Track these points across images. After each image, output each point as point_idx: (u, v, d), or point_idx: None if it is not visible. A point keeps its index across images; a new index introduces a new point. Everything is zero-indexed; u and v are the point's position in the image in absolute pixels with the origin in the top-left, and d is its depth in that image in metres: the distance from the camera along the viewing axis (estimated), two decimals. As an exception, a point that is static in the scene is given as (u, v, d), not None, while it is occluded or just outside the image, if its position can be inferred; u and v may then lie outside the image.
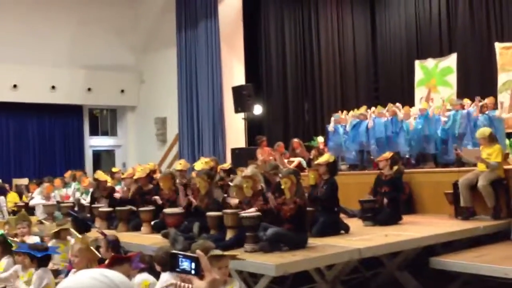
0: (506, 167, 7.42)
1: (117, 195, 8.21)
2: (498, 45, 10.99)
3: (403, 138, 9.13)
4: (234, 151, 11.66)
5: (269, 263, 4.72)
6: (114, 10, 15.66)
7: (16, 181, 13.41)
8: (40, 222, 8.52)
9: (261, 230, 5.29)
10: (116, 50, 15.67)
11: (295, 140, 11.05)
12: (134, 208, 7.53)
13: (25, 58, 14.20)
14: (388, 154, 7.59)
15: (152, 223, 7.14)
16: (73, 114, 16.04)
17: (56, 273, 4.92)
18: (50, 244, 5.41)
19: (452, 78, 11.69)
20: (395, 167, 7.45)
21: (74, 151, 15.98)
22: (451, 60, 11.83)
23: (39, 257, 4.39)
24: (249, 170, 6.20)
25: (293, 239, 5.33)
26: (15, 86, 14.36)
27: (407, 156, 9.26)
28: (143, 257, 4.27)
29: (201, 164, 7.95)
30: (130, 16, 15.89)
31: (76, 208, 8.98)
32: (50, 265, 4.75)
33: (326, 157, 6.76)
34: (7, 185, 12.43)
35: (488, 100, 9.04)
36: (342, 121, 10.29)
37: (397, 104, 9.87)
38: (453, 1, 13.11)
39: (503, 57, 10.79)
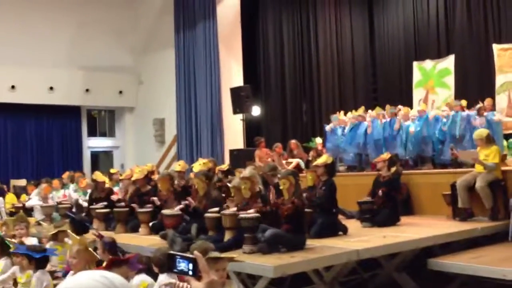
0: (503, 168, 7.44)
1: (114, 197, 8.20)
2: (496, 47, 11.02)
3: (401, 140, 9.13)
4: (232, 152, 11.66)
5: (267, 264, 4.72)
6: (113, 12, 15.65)
7: (14, 182, 13.40)
8: (38, 224, 8.52)
9: (260, 231, 5.28)
10: (114, 51, 15.66)
11: (293, 141, 11.06)
12: (134, 207, 7.52)
13: (23, 59, 14.18)
14: (386, 155, 7.59)
15: (150, 224, 7.13)
16: (71, 115, 16.03)
17: (54, 274, 4.91)
18: (48, 245, 5.41)
19: (450, 80, 11.71)
20: (393, 168, 7.46)
21: (72, 152, 15.96)
22: (449, 62, 11.85)
23: (37, 259, 4.38)
24: (247, 172, 6.20)
25: (292, 241, 5.33)
26: (13, 87, 14.34)
27: (406, 158, 9.26)
28: (140, 259, 4.27)
29: (199, 165, 7.95)
30: (129, 17, 15.89)
31: (74, 210, 8.96)
32: (48, 267, 4.74)
33: (324, 159, 6.77)
34: (5, 186, 12.42)
35: (486, 102, 9.06)
36: (341, 122, 10.29)
37: (399, 106, 9.89)
38: (451, 2, 13.14)
39: (501, 59, 10.82)
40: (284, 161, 10.36)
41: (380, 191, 7.04)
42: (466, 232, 6.46)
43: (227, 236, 5.67)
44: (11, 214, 9.48)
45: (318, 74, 14.30)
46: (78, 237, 4.16)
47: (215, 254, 3.42)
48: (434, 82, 12.01)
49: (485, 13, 12.44)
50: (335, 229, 6.29)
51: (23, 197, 10.94)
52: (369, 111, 10.10)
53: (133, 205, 7.54)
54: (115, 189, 9.02)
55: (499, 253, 5.87)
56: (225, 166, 8.89)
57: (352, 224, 6.85)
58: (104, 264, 3.78)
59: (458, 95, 11.01)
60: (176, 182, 7.71)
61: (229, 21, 13.31)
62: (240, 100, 11.99)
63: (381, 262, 6.21)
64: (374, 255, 5.64)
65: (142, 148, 16.06)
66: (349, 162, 10.06)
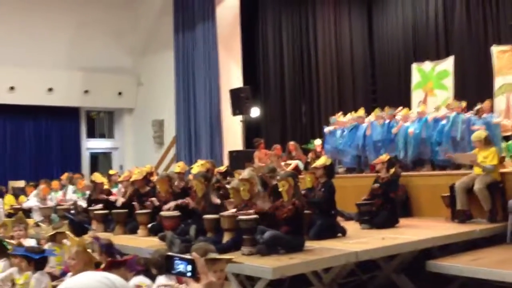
0: (502, 170, 7.44)
1: (112, 198, 8.20)
2: (494, 49, 11.03)
3: (400, 141, 9.13)
4: (231, 153, 11.66)
5: (266, 266, 4.72)
6: (112, 12, 15.65)
7: (13, 183, 13.38)
8: (37, 225, 8.51)
9: (258, 233, 5.28)
10: (113, 52, 15.66)
11: (291, 143, 11.06)
12: (134, 205, 7.52)
13: (22, 59, 14.17)
14: (384, 157, 7.60)
15: (149, 226, 7.13)
16: (70, 116, 16.01)
17: (52, 276, 4.90)
18: (46, 247, 5.39)
19: (449, 81, 11.72)
20: (392, 170, 7.46)
21: (71, 154, 15.94)
22: (448, 63, 11.87)
23: (36, 260, 4.37)
24: (246, 173, 6.19)
25: (290, 242, 5.32)
26: (12, 88, 14.33)
27: (405, 159, 9.24)
28: (139, 260, 4.26)
29: (197, 167, 7.94)
30: (128, 18, 15.88)
31: (72, 211, 8.96)
32: (47, 268, 4.73)
33: (323, 160, 6.77)
34: (3, 187, 12.41)
35: (485, 104, 9.06)
36: (340, 124, 10.28)
37: (399, 108, 9.90)
38: (450, 4, 13.17)
39: (499, 61, 10.83)
40: (283, 163, 10.36)
41: (376, 185, 7.05)
42: (465, 234, 6.46)
43: (226, 237, 5.67)
44: (9, 215, 9.46)
45: (318, 75, 14.32)
46: (76, 239, 4.15)
47: (214, 255, 3.42)
48: (433, 84, 12.02)
49: (484, 15, 12.46)
50: (334, 231, 6.30)
51: (22, 198, 10.93)
52: (369, 117, 10.08)
53: (134, 203, 7.53)
54: (114, 190, 9.02)
55: (498, 255, 5.87)
56: (223, 167, 8.89)
57: (351, 226, 6.85)
58: (103, 265, 3.77)
59: (457, 97, 11.02)
60: (176, 183, 7.71)
61: (228, 22, 13.32)
62: (239, 102, 11.99)
63: (379, 264, 6.21)
64: (372, 257, 5.64)
65: (141, 150, 16.05)
66: (348, 164, 10.06)
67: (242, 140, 12.35)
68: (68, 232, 5.02)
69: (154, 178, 8.60)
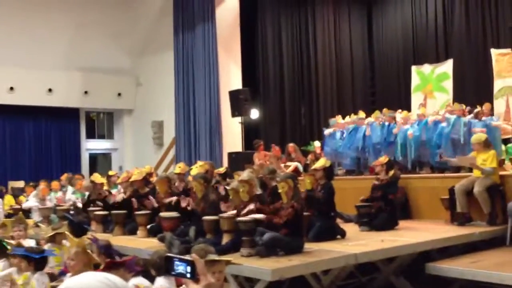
0: (501, 173, 7.45)
1: (111, 198, 8.19)
2: (494, 52, 11.04)
3: (399, 143, 9.13)
4: (230, 155, 11.66)
5: (265, 267, 4.72)
6: (112, 13, 15.66)
7: (12, 184, 13.38)
8: (36, 225, 8.51)
9: (258, 234, 5.28)
10: (113, 53, 15.66)
11: (290, 144, 11.06)
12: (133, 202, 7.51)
13: (21, 60, 14.17)
14: (383, 159, 7.60)
15: (148, 227, 7.12)
16: (70, 117, 16.01)
17: (51, 277, 4.89)
18: (45, 247, 5.39)
19: (448, 84, 11.72)
20: (391, 172, 7.47)
21: (70, 154, 15.94)
22: (448, 66, 11.87)
23: (36, 260, 4.36)
24: (245, 175, 6.19)
25: (290, 244, 5.32)
26: (11, 88, 14.33)
27: (405, 162, 9.24)
28: (137, 261, 4.25)
29: (196, 168, 7.94)
30: (128, 19, 15.89)
31: (72, 212, 8.95)
32: (46, 269, 4.72)
33: (323, 162, 6.77)
34: (3, 188, 12.40)
35: (484, 107, 9.06)
36: (339, 126, 10.29)
37: (399, 110, 9.90)
38: (450, 7, 13.19)
39: (499, 64, 10.83)
40: (282, 164, 10.36)
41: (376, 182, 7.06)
42: (464, 236, 6.46)
43: (225, 239, 5.67)
44: (8, 215, 9.45)
45: (317, 78, 14.33)
46: (76, 239, 4.14)
47: (213, 256, 3.42)
48: (432, 86, 12.02)
49: (483, 18, 12.48)
50: (333, 233, 6.29)
51: (21, 198, 10.93)
52: (368, 119, 10.07)
53: (133, 199, 7.52)
54: (113, 191, 9.01)
55: (497, 257, 5.87)
56: (222, 169, 8.89)
57: (350, 228, 6.85)
58: (102, 266, 3.77)
59: (456, 100, 11.01)
60: (176, 184, 7.70)
61: (228, 24, 13.33)
62: (238, 103, 12.00)
63: (379, 266, 6.21)
64: (372, 259, 5.64)
65: (141, 151, 16.05)
66: (347, 166, 10.06)
67: (241, 142, 12.34)
68: (67, 233, 5.02)
69: (154, 179, 8.60)
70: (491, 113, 9.26)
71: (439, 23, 13.40)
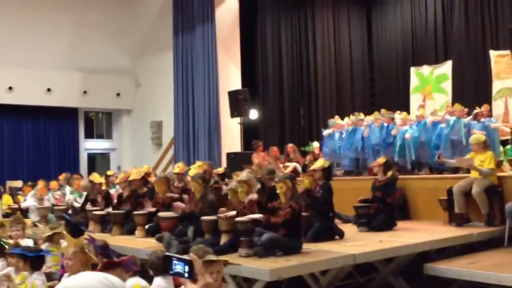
0: (499, 174, 7.46)
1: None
2: (493, 53, 11.05)
3: (398, 144, 9.14)
4: (229, 155, 11.65)
5: (263, 268, 4.72)
6: (111, 14, 15.66)
7: (10, 183, 13.37)
8: (34, 225, 8.50)
9: (256, 235, 5.28)
10: (112, 53, 15.66)
11: (289, 145, 11.07)
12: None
13: (20, 60, 14.17)
14: (381, 160, 7.60)
15: (147, 227, 7.11)
16: (69, 116, 16.01)
17: (49, 276, 4.89)
18: (43, 247, 5.39)
19: (447, 85, 11.74)
20: (390, 173, 7.47)
21: (69, 154, 15.93)
22: (447, 67, 11.88)
23: (32, 260, 4.36)
24: (244, 175, 6.19)
25: (288, 245, 5.32)
26: (10, 88, 14.32)
27: (404, 163, 9.24)
28: (135, 261, 4.25)
29: (194, 169, 7.94)
30: (127, 19, 15.89)
31: (70, 211, 8.94)
32: (44, 268, 4.72)
33: (321, 163, 6.76)
34: (1, 187, 12.39)
35: (483, 108, 9.07)
36: (338, 127, 10.29)
37: (398, 111, 9.90)
38: (449, 9, 13.21)
39: (498, 65, 10.85)
40: (281, 165, 10.36)
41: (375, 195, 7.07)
42: (462, 237, 6.47)
43: (223, 239, 5.67)
44: (6, 215, 9.45)
45: (316, 78, 14.34)
46: (74, 239, 4.14)
47: (211, 257, 3.42)
48: (431, 88, 12.03)
49: (482, 19, 12.50)
50: (332, 233, 6.29)
51: (19, 198, 10.91)
52: (368, 117, 10.08)
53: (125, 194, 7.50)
54: (112, 191, 9.00)
55: (495, 258, 5.88)
56: (221, 169, 8.89)
57: (349, 229, 6.85)
58: (99, 266, 3.76)
59: (455, 101, 11.03)
60: (175, 184, 7.69)
61: (227, 24, 13.33)
62: (237, 103, 11.99)
63: (377, 266, 6.21)
64: (370, 260, 5.64)
65: (139, 151, 16.04)
66: (346, 166, 10.06)
67: (240, 142, 12.35)
68: (65, 233, 5.02)
69: (152, 179, 8.59)
70: (490, 114, 9.27)
71: (438, 24, 13.41)
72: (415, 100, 12.20)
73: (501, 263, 5.58)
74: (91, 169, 15.64)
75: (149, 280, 4.00)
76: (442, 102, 11.49)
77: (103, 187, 8.82)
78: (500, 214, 7.02)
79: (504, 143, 9.02)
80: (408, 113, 10.33)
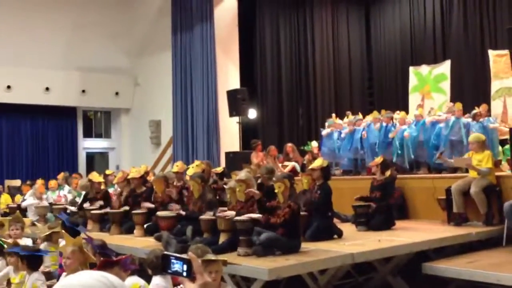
0: (498, 173, 7.46)
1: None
2: (491, 53, 11.06)
3: (397, 144, 9.14)
4: (228, 154, 11.65)
5: (262, 267, 4.72)
6: (110, 13, 15.64)
7: (9, 183, 13.36)
8: (33, 224, 8.49)
9: (255, 234, 5.28)
10: (111, 52, 15.65)
11: (288, 144, 11.07)
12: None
13: (19, 59, 14.15)
14: (379, 159, 7.60)
15: (145, 226, 7.11)
16: (67, 116, 16.00)
17: (48, 275, 4.89)
18: (41, 246, 5.39)
19: (446, 85, 11.74)
20: (388, 172, 7.47)
21: (67, 153, 15.92)
22: (445, 67, 11.89)
23: (29, 260, 4.35)
24: (242, 174, 6.19)
25: (286, 244, 5.32)
26: (9, 87, 14.30)
27: (402, 163, 9.24)
28: (133, 260, 4.25)
29: (192, 168, 7.94)
30: (126, 19, 15.88)
31: (68, 211, 8.94)
32: (42, 268, 4.72)
33: (320, 162, 6.76)
34: (0, 186, 12.37)
35: (482, 108, 9.07)
36: (337, 126, 10.29)
37: (397, 112, 9.90)
38: (448, 8, 13.22)
39: (496, 65, 10.85)
40: (280, 164, 10.37)
41: (374, 195, 7.07)
42: (461, 237, 6.48)
43: (222, 238, 5.67)
44: (5, 214, 9.44)
45: (315, 78, 14.34)
46: (72, 238, 4.14)
47: (210, 256, 3.43)
48: (430, 87, 12.04)
49: (481, 19, 12.51)
50: (330, 233, 6.30)
51: (18, 197, 10.91)
52: (367, 117, 10.08)
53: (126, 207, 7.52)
54: (110, 190, 9.01)
55: (494, 258, 5.88)
56: (220, 168, 8.89)
57: (347, 228, 6.86)
58: (97, 265, 3.76)
59: (453, 101, 11.04)
60: (174, 183, 7.69)
61: (226, 24, 13.32)
62: (236, 103, 11.99)
63: (375, 266, 6.22)
64: (368, 259, 5.64)
65: (138, 150, 16.03)
66: (344, 166, 10.06)
67: (239, 142, 12.35)
68: (63, 231, 5.02)
69: (151, 178, 8.58)
70: (488, 114, 9.28)
71: (437, 24, 13.43)
72: (413, 99, 12.21)
73: (499, 263, 5.59)
74: (90, 168, 15.63)
75: (148, 279, 4.00)
76: (440, 101, 11.49)
77: (102, 187, 8.82)
78: (498, 213, 7.02)
79: (502, 142, 9.03)
80: (407, 112, 10.34)
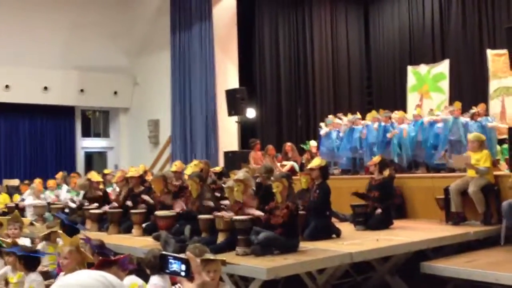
0: (496, 173, 7.47)
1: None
2: (490, 52, 11.07)
3: (395, 144, 9.15)
4: (227, 154, 11.65)
5: (260, 266, 4.72)
6: (109, 13, 15.62)
7: (7, 182, 13.33)
8: (32, 224, 8.48)
9: (253, 234, 5.28)
10: (109, 51, 15.63)
11: (288, 143, 11.08)
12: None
13: (17, 58, 14.13)
14: (377, 159, 7.60)
15: (144, 225, 7.11)
16: (66, 115, 15.97)
17: (46, 275, 4.88)
18: (39, 246, 5.38)
19: (445, 84, 11.76)
20: (386, 172, 7.47)
21: (66, 153, 15.90)
22: (444, 66, 11.90)
23: (26, 260, 4.34)
24: (241, 174, 6.19)
25: (285, 244, 5.32)
26: (7, 86, 14.28)
27: (401, 162, 9.25)
28: (131, 259, 4.25)
29: (190, 168, 7.93)
30: (125, 19, 15.85)
31: (66, 210, 8.93)
32: (40, 267, 4.71)
33: (318, 161, 6.76)
34: (-2, 186, 12.36)
35: (480, 107, 9.08)
36: (335, 126, 10.29)
37: (395, 111, 9.92)
38: (446, 8, 13.23)
39: (495, 64, 10.86)
40: (278, 164, 10.37)
41: (372, 195, 7.07)
42: (459, 236, 6.48)
43: (221, 238, 5.66)
44: (3, 214, 9.42)
45: (314, 77, 14.35)
46: (70, 238, 4.13)
47: (208, 255, 3.43)
48: (428, 87, 12.05)
49: (479, 18, 12.53)
50: (329, 232, 6.30)
51: (16, 197, 10.89)
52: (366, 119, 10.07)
53: (128, 203, 7.51)
54: (109, 189, 9.00)
55: (492, 257, 5.89)
56: (218, 168, 8.88)
57: (346, 227, 6.86)
58: (95, 265, 3.76)
59: (452, 100, 11.05)
60: (174, 182, 7.69)
61: (225, 23, 13.32)
62: (235, 102, 11.99)
63: (374, 265, 6.22)
64: (367, 258, 5.65)
65: (136, 149, 16.02)
66: (343, 166, 10.07)
67: (237, 141, 12.35)
68: (60, 231, 5.01)
69: (149, 177, 8.58)
70: (487, 113, 9.29)
71: (435, 23, 13.44)
72: (412, 99, 12.22)
73: (497, 262, 5.60)
74: (88, 167, 15.61)
75: (146, 278, 4.00)
76: (439, 101, 11.51)
77: (101, 186, 8.81)
78: (496, 213, 7.03)
79: (501, 142, 9.04)
80: (405, 112, 10.34)
